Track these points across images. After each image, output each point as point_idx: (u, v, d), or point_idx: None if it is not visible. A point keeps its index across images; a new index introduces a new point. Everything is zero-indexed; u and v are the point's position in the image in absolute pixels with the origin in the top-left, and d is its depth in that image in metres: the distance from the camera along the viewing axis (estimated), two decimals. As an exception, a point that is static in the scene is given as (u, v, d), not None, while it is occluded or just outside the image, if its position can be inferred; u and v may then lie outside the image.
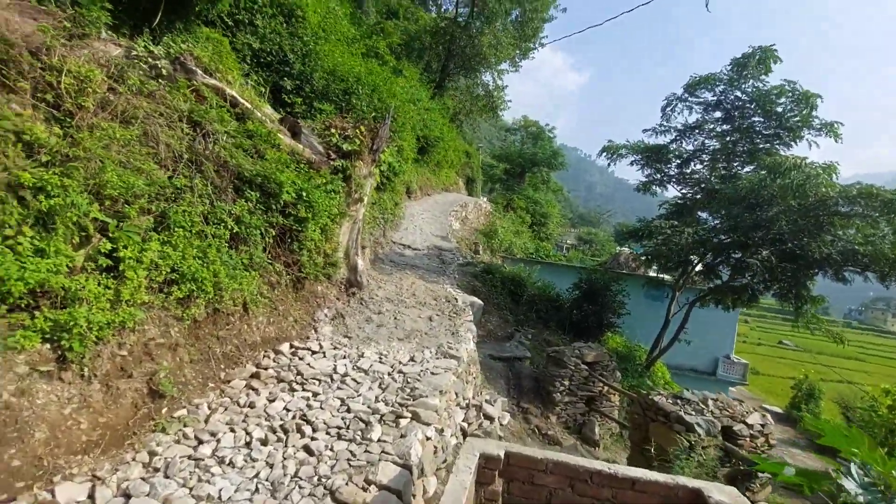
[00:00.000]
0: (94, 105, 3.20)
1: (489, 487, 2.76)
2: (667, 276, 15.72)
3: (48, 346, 2.87)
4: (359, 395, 4.11)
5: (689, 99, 13.68)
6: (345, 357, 4.96)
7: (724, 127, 13.24)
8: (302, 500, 2.78)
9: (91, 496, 2.54)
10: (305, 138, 6.02)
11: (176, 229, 3.71)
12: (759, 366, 34.70)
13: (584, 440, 7.63)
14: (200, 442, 3.17)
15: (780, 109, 11.93)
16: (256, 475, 2.94)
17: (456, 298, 7.85)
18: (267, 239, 4.97)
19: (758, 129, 12.63)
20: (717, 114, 13.42)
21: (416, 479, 3.28)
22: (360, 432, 3.51)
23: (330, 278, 6.45)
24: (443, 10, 26.64)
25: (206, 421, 3.42)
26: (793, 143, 11.94)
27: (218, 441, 3.21)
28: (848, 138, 11.49)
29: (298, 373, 4.39)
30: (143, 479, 2.74)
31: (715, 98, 13.24)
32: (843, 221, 9.61)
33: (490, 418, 5.59)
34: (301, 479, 2.95)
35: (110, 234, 3.25)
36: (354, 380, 4.42)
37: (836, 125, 11.26)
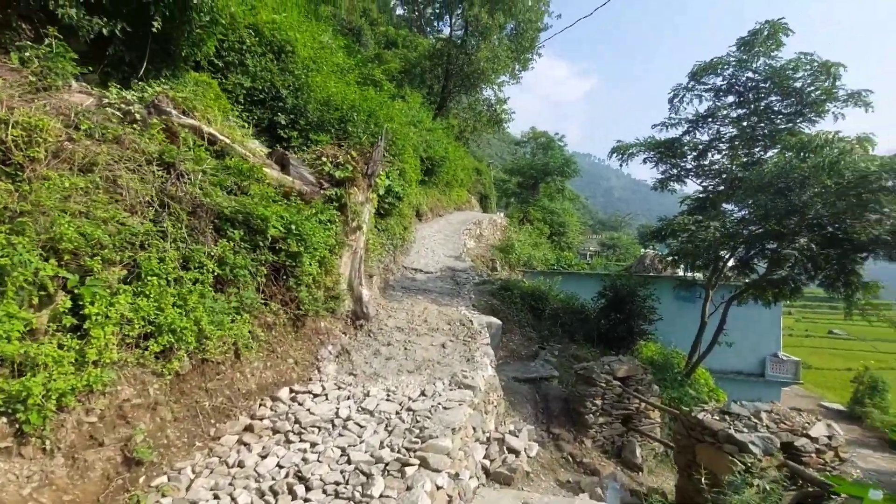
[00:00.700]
0: (47, 155, 3.02)
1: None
2: (698, 275, 14.80)
3: (4, 419, 2.61)
4: (361, 442, 3.72)
5: (697, 87, 13.03)
6: (349, 398, 4.59)
7: (740, 111, 12.47)
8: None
9: None
10: (295, 169, 5.83)
11: (149, 278, 3.46)
12: (809, 359, 32.26)
13: (624, 464, 6.91)
14: (178, 514, 2.83)
15: (798, 84, 11.12)
16: (237, 553, 2.57)
17: (471, 321, 7.41)
18: (259, 278, 4.70)
19: (776, 108, 11.82)
20: (730, 98, 12.63)
21: (425, 542, 2.84)
22: (359, 488, 3.10)
23: (334, 312, 6.13)
24: (440, 33, 26.98)
25: (188, 488, 3.08)
26: (818, 118, 11.10)
27: (198, 512, 2.86)
28: (886, 112, 10.61)
29: (296, 421, 4.04)
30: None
31: (725, 82, 12.53)
32: (891, 197, 8.74)
33: (515, 452, 5.06)
34: (287, 554, 2.56)
35: (74, 291, 3.03)
36: (358, 423, 4.03)
37: (864, 93, 10.44)
